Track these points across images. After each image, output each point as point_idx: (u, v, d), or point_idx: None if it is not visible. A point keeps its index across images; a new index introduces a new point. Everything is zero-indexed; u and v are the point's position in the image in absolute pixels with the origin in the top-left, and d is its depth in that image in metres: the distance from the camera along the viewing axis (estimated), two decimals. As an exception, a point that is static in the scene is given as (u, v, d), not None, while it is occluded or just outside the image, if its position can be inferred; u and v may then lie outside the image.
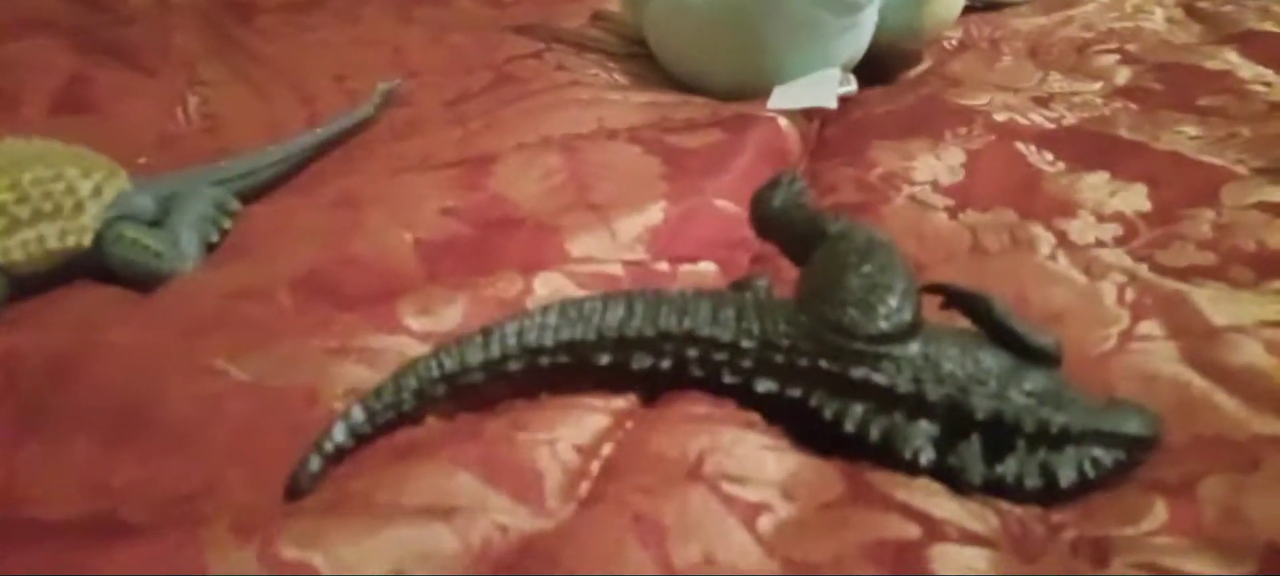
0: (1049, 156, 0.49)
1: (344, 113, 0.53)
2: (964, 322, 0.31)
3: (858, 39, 0.60)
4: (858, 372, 0.28)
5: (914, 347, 0.29)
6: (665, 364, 0.30)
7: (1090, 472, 0.27)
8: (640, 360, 0.30)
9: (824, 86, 0.55)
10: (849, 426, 0.28)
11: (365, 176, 0.47)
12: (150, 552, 0.21)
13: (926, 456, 0.28)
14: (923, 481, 0.27)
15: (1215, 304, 0.34)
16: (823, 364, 0.29)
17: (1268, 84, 0.56)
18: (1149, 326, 0.34)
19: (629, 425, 0.29)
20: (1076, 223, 0.42)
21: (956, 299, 0.31)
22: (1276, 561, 0.24)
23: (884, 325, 0.29)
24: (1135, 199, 0.43)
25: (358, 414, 0.28)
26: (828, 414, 0.29)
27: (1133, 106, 0.54)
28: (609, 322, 0.30)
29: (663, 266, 0.39)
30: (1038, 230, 0.42)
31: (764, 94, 0.56)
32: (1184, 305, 0.34)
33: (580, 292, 0.35)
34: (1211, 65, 0.59)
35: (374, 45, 0.68)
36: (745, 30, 0.57)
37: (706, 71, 0.60)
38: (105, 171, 0.40)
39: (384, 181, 0.46)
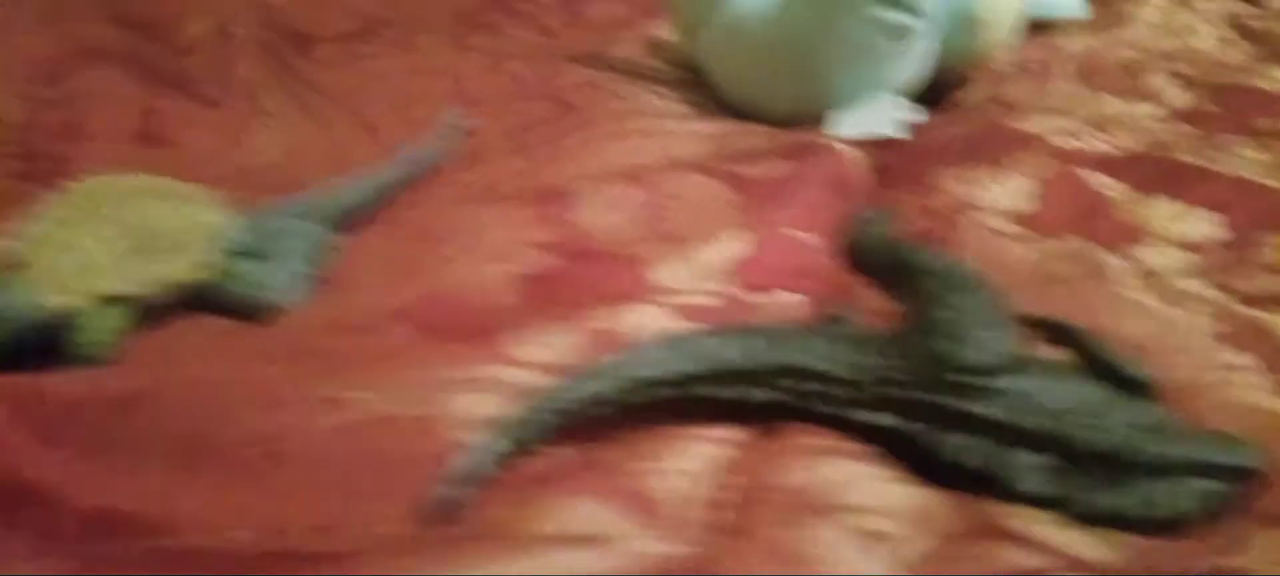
0: (1111, 182, 0.50)
1: (422, 147, 0.54)
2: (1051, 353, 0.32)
3: (911, 64, 0.61)
4: (956, 404, 0.29)
5: (1012, 379, 0.30)
6: (774, 396, 0.31)
7: (1194, 503, 0.28)
8: (750, 393, 0.31)
9: (884, 114, 0.56)
10: (946, 455, 0.29)
11: (438, 208, 0.48)
12: None
13: (1029, 485, 0.29)
14: (1033, 512, 0.28)
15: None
16: (922, 395, 0.30)
17: (1324, 105, 0.56)
18: (1236, 356, 0.34)
19: (746, 456, 0.30)
20: (1147, 250, 0.43)
21: (1052, 331, 0.32)
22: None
23: (983, 357, 0.30)
24: (1204, 225, 0.44)
25: (487, 445, 0.29)
26: (926, 443, 0.30)
27: (1190, 129, 0.55)
28: (720, 357, 0.31)
29: (744, 296, 0.40)
30: (1108, 257, 0.42)
31: (819, 119, 0.57)
32: (1272, 335, 0.35)
33: (675, 324, 0.36)
34: (1266, 86, 0.59)
35: (432, 75, 0.69)
36: (801, 56, 0.59)
37: (762, 97, 0.61)
38: (217, 208, 0.42)
39: (459, 213, 0.47)
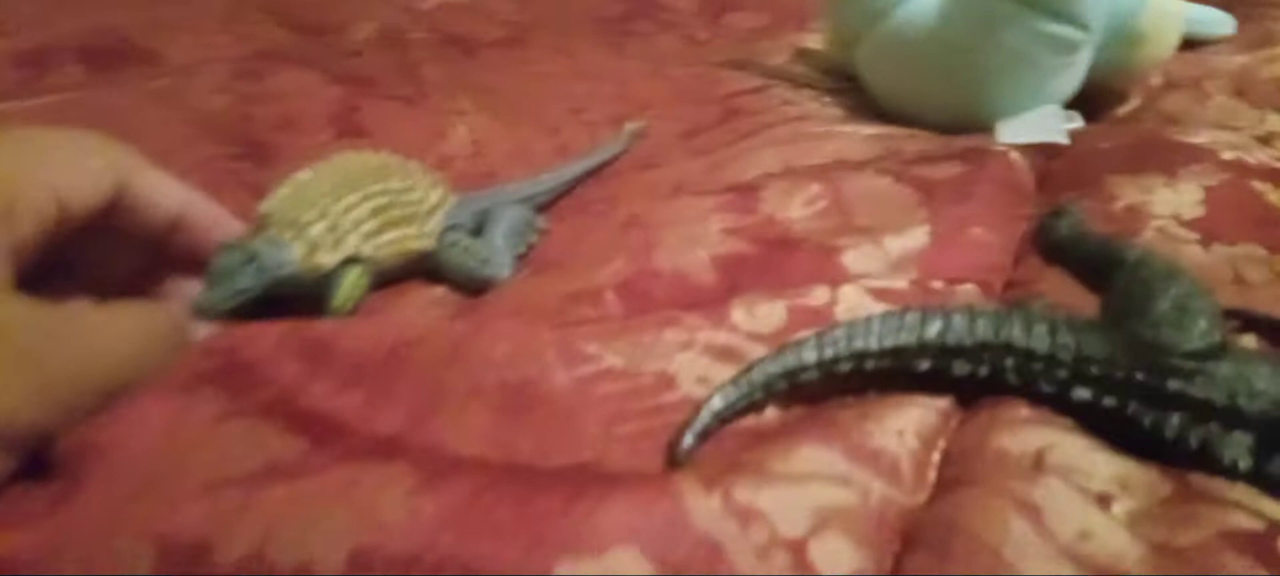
0: (1285, 194, 0.50)
1: (600, 146, 0.58)
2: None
3: (1073, 76, 0.62)
4: (1174, 385, 0.31)
5: (1225, 365, 0.31)
6: (983, 371, 0.33)
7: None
8: (960, 367, 0.34)
9: (1050, 121, 0.57)
10: (1168, 434, 0.31)
11: (631, 200, 0.52)
12: (642, 490, 0.25)
13: (1245, 463, 0.30)
14: (1243, 486, 0.30)
15: None
16: (1139, 376, 0.32)
17: None
18: None
19: (961, 421, 0.32)
20: (1328, 258, 0.43)
21: (1256, 323, 0.34)
22: None
23: (1197, 343, 0.32)
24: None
25: (719, 400, 0.32)
26: (1146, 422, 0.31)
27: (1361, 146, 0.55)
28: (930, 332, 0.34)
29: (936, 285, 0.42)
30: (1291, 264, 0.43)
31: (977, 129, 0.59)
32: None
33: (878, 306, 0.38)
34: None
35: (597, 79, 0.73)
36: (964, 67, 0.61)
37: (921, 106, 0.63)
38: (439, 185, 0.46)
39: (653, 205, 0.50)
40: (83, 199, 0.33)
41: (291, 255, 0.40)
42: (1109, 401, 0.32)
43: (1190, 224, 0.48)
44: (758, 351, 0.35)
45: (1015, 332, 0.33)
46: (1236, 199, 0.50)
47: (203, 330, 0.37)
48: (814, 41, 0.78)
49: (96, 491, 0.27)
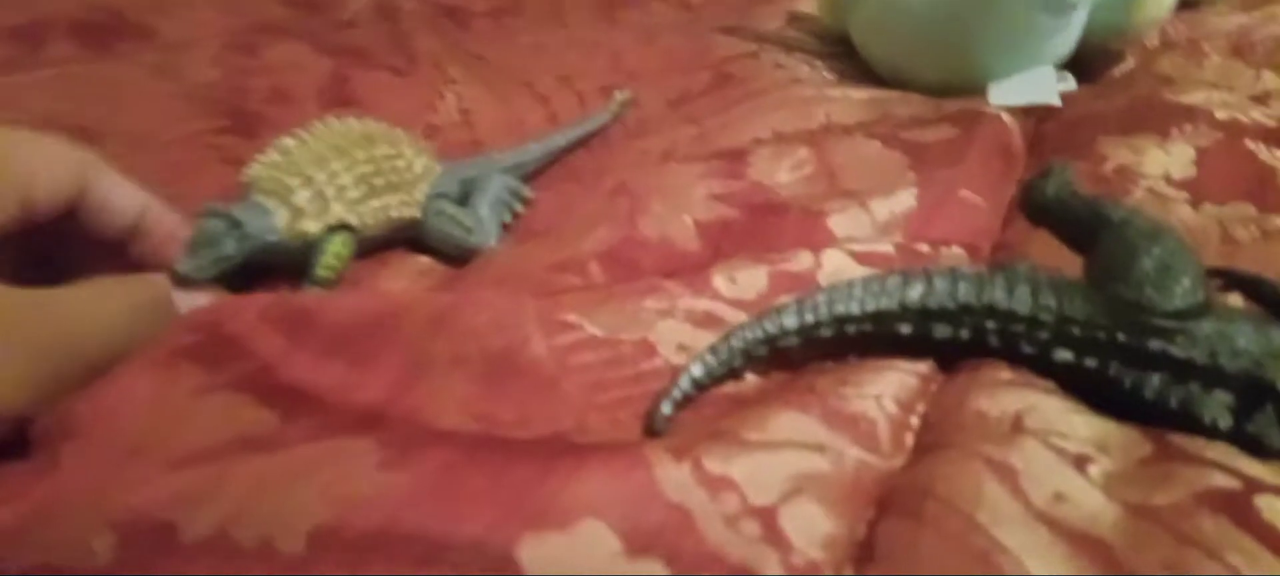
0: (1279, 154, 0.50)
1: (589, 116, 0.58)
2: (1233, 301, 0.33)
3: (1068, 38, 0.61)
4: (1155, 345, 0.31)
5: (1207, 325, 0.31)
6: (964, 334, 0.33)
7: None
8: (941, 330, 0.33)
9: (1043, 83, 0.57)
10: (1148, 395, 0.31)
11: (619, 168, 0.51)
12: (612, 461, 0.25)
13: (1225, 422, 0.30)
14: (1222, 445, 0.29)
15: None
16: (1120, 337, 0.31)
17: None
18: None
19: (940, 384, 0.32)
20: (1322, 216, 0.43)
21: (1239, 282, 0.34)
22: None
23: (1179, 303, 0.31)
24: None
25: (698, 367, 0.32)
26: (1127, 383, 0.31)
27: (1360, 104, 0.54)
28: (911, 295, 0.34)
29: (922, 248, 0.42)
30: (1284, 223, 0.43)
31: (972, 92, 0.59)
32: None
33: (861, 270, 0.38)
34: None
35: (588, 48, 0.72)
36: (960, 31, 0.60)
37: (916, 70, 0.62)
38: (426, 153, 0.46)
39: (640, 173, 0.50)
40: (47, 196, 0.34)
41: (276, 222, 0.40)
42: (1090, 362, 0.32)
43: (1181, 184, 0.48)
44: (739, 318, 0.34)
45: (997, 295, 0.33)
46: (1229, 159, 0.50)
47: (197, 299, 0.37)
48: (807, 6, 0.77)
49: (73, 469, 0.27)
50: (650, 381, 0.33)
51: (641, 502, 0.24)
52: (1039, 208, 0.38)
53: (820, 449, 0.28)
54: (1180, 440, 0.30)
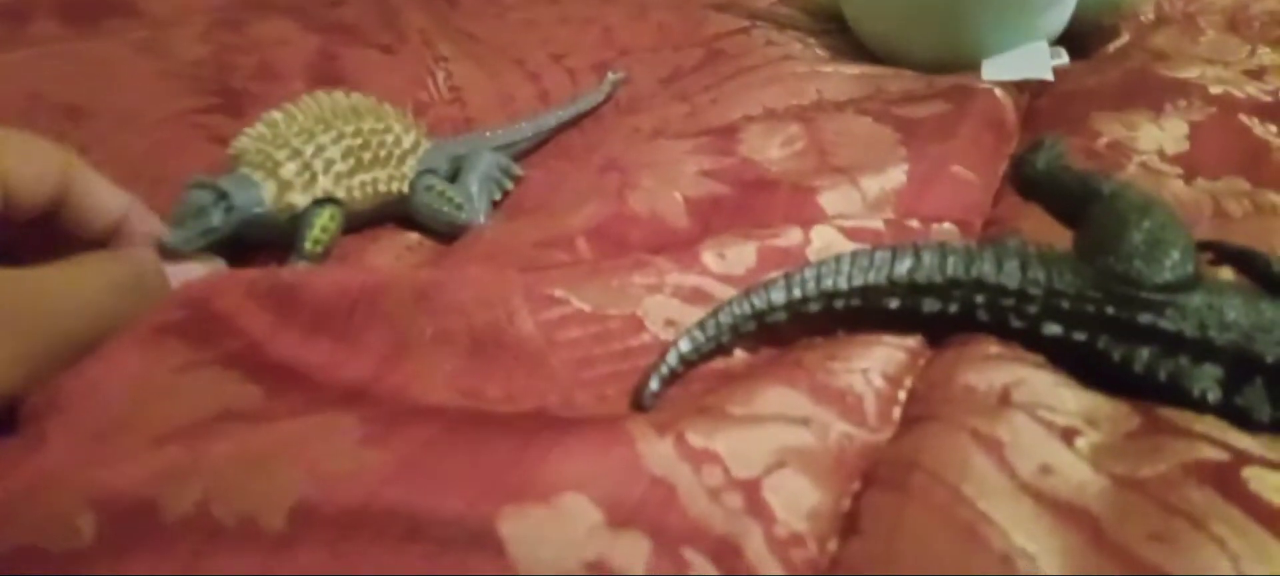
0: (1275, 129, 0.50)
1: (582, 95, 0.57)
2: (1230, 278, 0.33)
3: (1061, 13, 0.61)
4: (1145, 319, 0.31)
5: (1197, 297, 0.31)
6: (953, 308, 0.33)
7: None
8: (930, 304, 0.33)
9: (1036, 58, 0.56)
10: (1137, 368, 0.31)
11: (610, 145, 0.51)
12: (596, 436, 0.25)
13: (1213, 395, 0.30)
14: (1211, 418, 0.29)
15: None
16: (1109, 310, 0.31)
17: None
18: None
19: (928, 359, 0.32)
20: (1315, 191, 0.43)
21: (1229, 255, 0.33)
22: None
23: (1169, 276, 0.31)
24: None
25: (686, 343, 0.32)
26: (1115, 356, 0.31)
27: (1355, 78, 0.54)
28: (899, 270, 0.33)
29: (913, 224, 0.41)
30: (1277, 198, 0.43)
31: (965, 68, 0.58)
32: None
33: (850, 245, 0.38)
34: None
35: (581, 24, 0.72)
36: (953, 7, 0.59)
37: (908, 47, 0.62)
38: (415, 129, 0.45)
39: (632, 150, 0.49)
40: (29, 192, 0.33)
41: (262, 194, 0.40)
42: (1079, 336, 0.32)
43: (1174, 159, 0.48)
44: (727, 293, 0.34)
45: (986, 269, 0.33)
46: (1223, 133, 0.50)
47: (190, 270, 0.37)
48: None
49: (58, 446, 0.27)
50: (638, 357, 0.32)
51: (624, 476, 0.24)
52: (1029, 181, 0.38)
53: (806, 422, 0.28)
54: (1169, 413, 0.29)
